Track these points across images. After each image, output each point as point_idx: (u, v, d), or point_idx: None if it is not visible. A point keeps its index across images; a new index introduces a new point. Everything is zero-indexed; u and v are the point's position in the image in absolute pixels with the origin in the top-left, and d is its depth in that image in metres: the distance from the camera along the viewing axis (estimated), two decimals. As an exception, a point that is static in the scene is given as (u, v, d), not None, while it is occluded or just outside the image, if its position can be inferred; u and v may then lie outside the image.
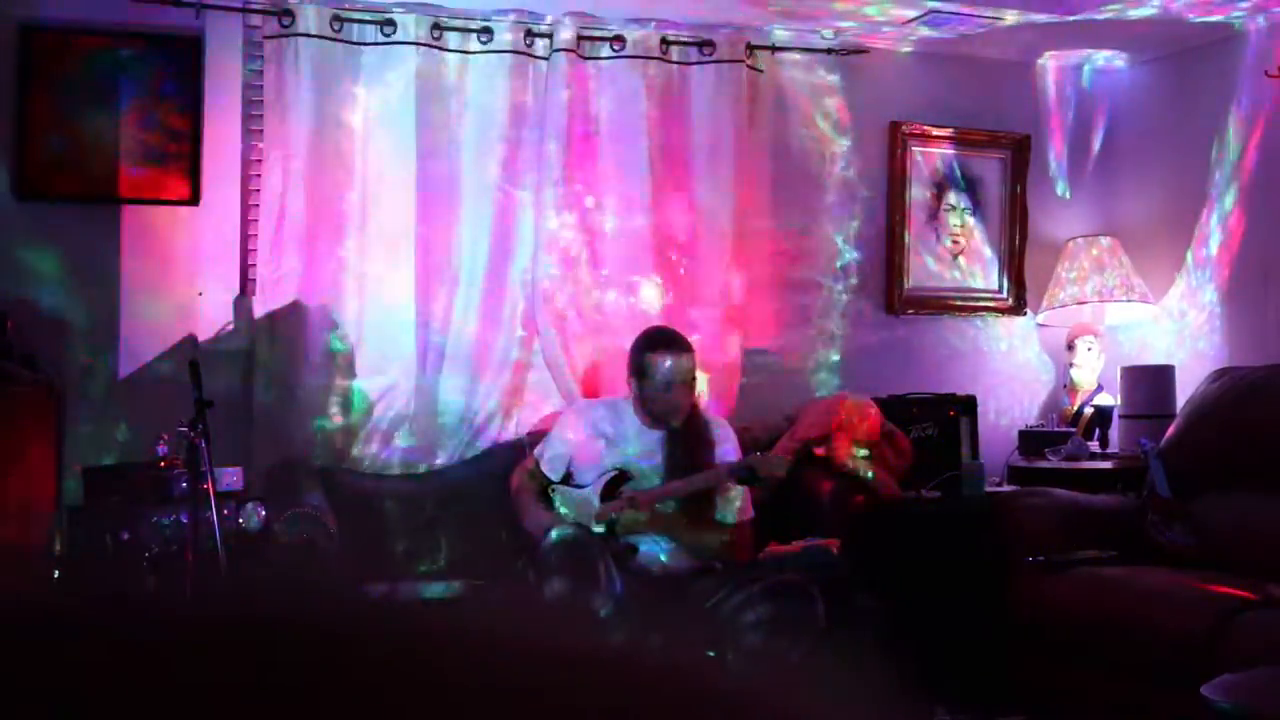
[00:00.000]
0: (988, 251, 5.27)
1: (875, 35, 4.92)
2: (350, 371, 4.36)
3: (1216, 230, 4.90)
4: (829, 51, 4.94)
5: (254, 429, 4.23)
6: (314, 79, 4.28)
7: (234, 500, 3.70)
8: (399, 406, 4.40)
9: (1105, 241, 5.15)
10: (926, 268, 5.18)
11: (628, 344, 3.96)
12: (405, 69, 4.40)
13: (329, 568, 3.63)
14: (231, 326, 4.33)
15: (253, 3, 4.30)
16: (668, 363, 3.77)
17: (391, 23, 4.38)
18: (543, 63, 4.53)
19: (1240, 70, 4.80)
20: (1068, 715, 3.82)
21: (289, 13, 4.27)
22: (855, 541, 3.99)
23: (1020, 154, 5.27)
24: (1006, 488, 4.65)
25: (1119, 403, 4.91)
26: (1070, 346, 5.14)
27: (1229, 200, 4.85)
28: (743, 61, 4.70)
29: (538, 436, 4.18)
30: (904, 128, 5.09)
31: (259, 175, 4.32)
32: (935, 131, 5.15)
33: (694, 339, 4.07)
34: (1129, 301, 5.08)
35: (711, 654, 3.44)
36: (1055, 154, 5.37)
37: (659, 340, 3.86)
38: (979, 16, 4.67)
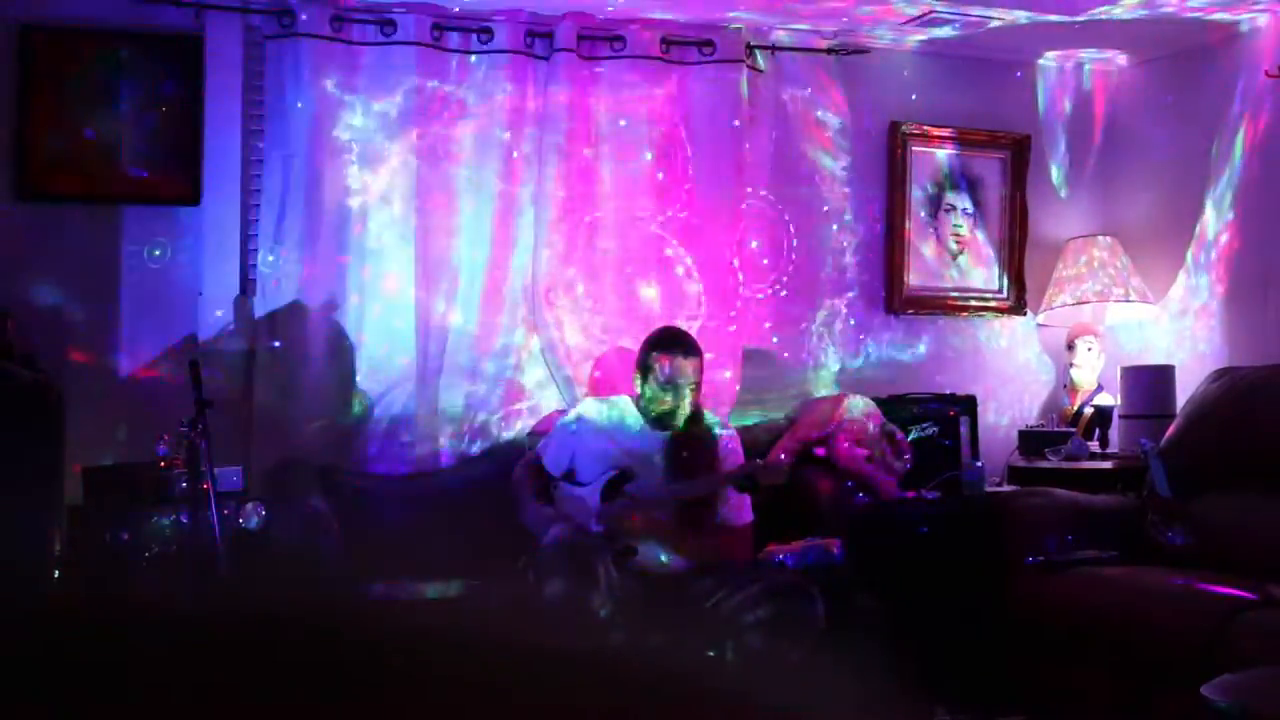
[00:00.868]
0: (988, 251, 5.27)
1: (875, 35, 4.92)
2: (350, 371, 4.36)
3: (1216, 230, 4.90)
4: (829, 51, 4.94)
5: (254, 429, 4.23)
6: (314, 79, 4.28)
7: (234, 500, 3.70)
8: (399, 407, 4.40)
9: (1105, 241, 5.15)
10: (926, 268, 5.18)
11: (628, 344, 3.96)
12: (405, 69, 4.40)
13: (329, 568, 3.63)
14: (232, 326, 4.33)
15: (253, 3, 4.30)
16: (671, 363, 3.77)
17: (391, 23, 4.38)
18: (543, 63, 4.54)
19: (1240, 70, 4.80)
20: (1068, 715, 3.82)
21: (289, 13, 4.27)
22: (855, 541, 3.99)
23: (1020, 154, 5.27)
24: (1006, 488, 4.65)
25: (1119, 403, 4.90)
26: (1070, 346, 5.14)
27: (1229, 200, 4.84)
28: (743, 61, 4.70)
29: (538, 437, 4.18)
30: (904, 128, 5.09)
31: (259, 175, 4.32)
32: (935, 131, 5.15)
33: (694, 337, 4.06)
34: (1129, 301, 5.08)
35: (711, 654, 3.44)
36: (1055, 154, 5.37)
37: (665, 340, 3.86)
38: (979, 16, 4.67)
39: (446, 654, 0.44)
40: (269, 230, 4.28)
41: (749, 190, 4.77)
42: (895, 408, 4.54)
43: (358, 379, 4.36)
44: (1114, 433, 4.85)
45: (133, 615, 0.45)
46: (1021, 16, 4.68)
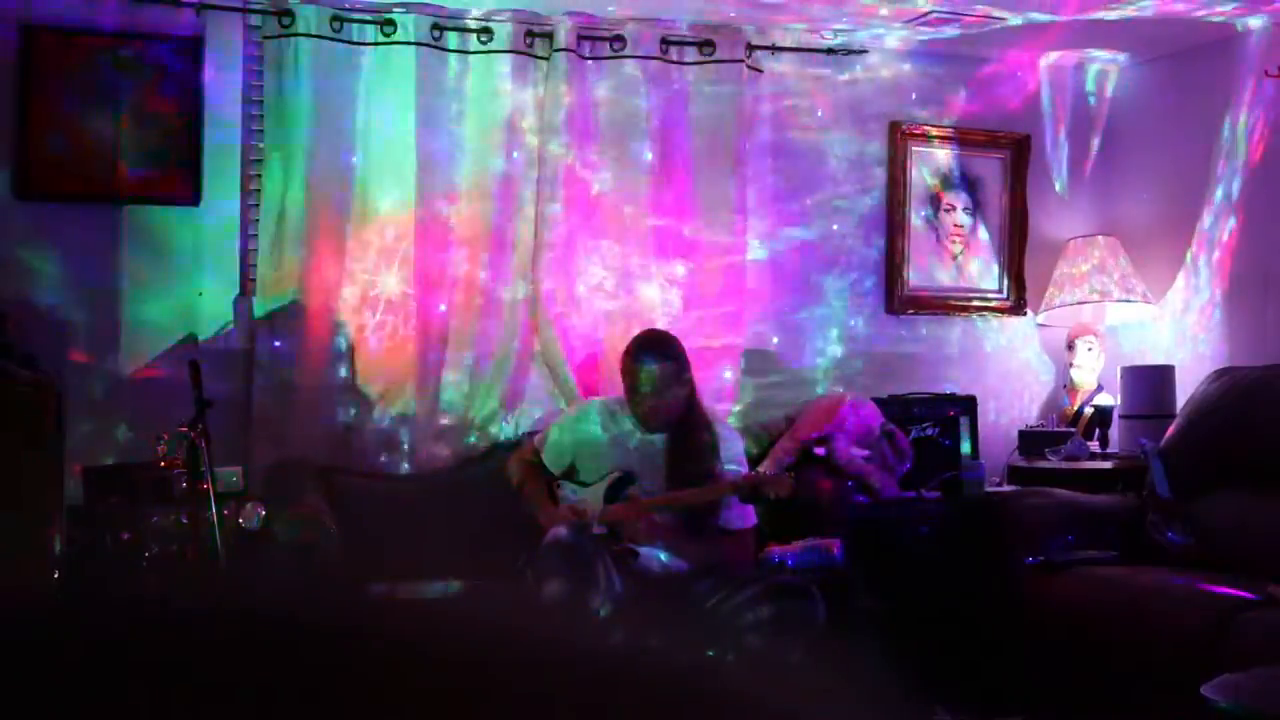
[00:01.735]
0: (988, 251, 5.27)
1: (875, 35, 4.92)
2: (350, 371, 4.36)
3: (1216, 230, 4.90)
4: (829, 51, 4.94)
5: (254, 429, 4.23)
6: (314, 79, 4.28)
7: (234, 500, 3.70)
8: (399, 406, 4.40)
9: (1105, 241, 5.14)
10: (926, 268, 5.18)
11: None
12: (405, 69, 4.40)
13: (329, 568, 3.63)
14: (232, 326, 4.33)
15: (253, 3, 4.30)
16: (629, 370, 3.78)
17: (391, 23, 4.38)
18: (543, 63, 4.53)
19: (1240, 70, 4.79)
20: (1068, 715, 3.82)
21: (289, 13, 4.27)
22: (855, 541, 3.99)
23: (1020, 154, 5.27)
24: (1006, 488, 4.65)
25: (1119, 403, 4.90)
26: (1070, 346, 5.14)
27: (1229, 200, 4.84)
28: (743, 61, 4.70)
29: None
30: (904, 128, 5.09)
31: (259, 175, 4.32)
32: (935, 131, 5.15)
33: (694, 339, 4.07)
34: (1129, 301, 5.07)
35: (711, 654, 3.44)
36: (1055, 154, 5.37)
37: (629, 347, 3.87)
38: (979, 16, 4.67)
39: (446, 654, 0.44)
40: (269, 230, 4.28)
41: (749, 190, 4.77)
42: (895, 408, 4.54)
43: (358, 379, 4.36)
44: (1114, 433, 4.85)
45: (133, 615, 0.45)
46: (1022, 17, 4.67)
